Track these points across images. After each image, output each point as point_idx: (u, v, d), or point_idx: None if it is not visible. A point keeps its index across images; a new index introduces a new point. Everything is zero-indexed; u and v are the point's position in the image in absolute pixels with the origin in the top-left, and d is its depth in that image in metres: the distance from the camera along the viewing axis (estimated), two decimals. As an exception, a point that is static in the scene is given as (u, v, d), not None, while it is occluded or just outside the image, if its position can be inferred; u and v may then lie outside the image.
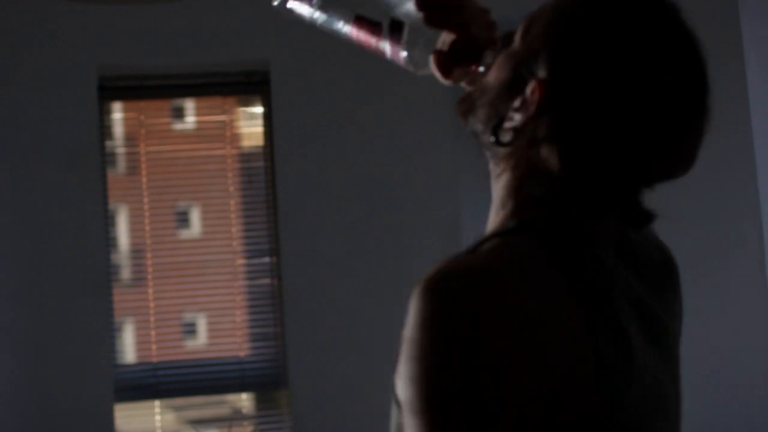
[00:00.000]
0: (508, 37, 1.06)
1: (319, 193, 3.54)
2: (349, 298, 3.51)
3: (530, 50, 1.01)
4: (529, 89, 0.99)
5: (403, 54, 1.12)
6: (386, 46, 1.13)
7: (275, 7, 1.16)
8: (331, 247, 3.51)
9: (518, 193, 1.04)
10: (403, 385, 0.91)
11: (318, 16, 1.15)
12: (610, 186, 1.00)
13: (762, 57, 3.06)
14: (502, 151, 1.05)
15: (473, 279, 0.91)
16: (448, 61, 1.10)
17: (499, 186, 1.07)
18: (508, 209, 1.05)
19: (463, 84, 1.13)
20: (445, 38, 1.11)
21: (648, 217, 1.02)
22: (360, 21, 1.13)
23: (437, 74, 1.12)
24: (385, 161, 3.57)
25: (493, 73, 1.06)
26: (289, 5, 1.16)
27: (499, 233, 1.00)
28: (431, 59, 1.11)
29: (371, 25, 1.13)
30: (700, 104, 0.98)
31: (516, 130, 1.02)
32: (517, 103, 1.01)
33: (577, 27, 0.99)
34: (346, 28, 1.14)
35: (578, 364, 0.92)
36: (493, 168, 1.08)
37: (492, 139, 1.04)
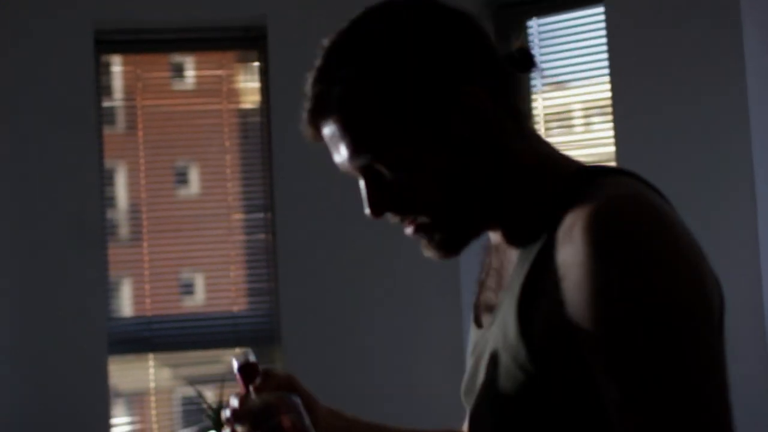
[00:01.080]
0: (398, 163, 1.11)
1: (315, 149, 3.53)
2: (344, 254, 3.53)
3: (428, 108, 1.09)
4: (466, 109, 1.07)
5: None
6: None
7: None
8: (326, 202, 3.52)
9: (538, 167, 1.08)
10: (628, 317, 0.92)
11: None
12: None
13: (760, 23, 3.06)
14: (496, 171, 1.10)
15: (652, 203, 0.97)
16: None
17: (518, 188, 1.09)
18: (552, 177, 1.06)
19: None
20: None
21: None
22: None
23: None
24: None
25: (422, 182, 1.12)
26: None
27: (595, 173, 1.04)
28: None
29: None
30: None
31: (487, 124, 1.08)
32: (464, 125, 1.08)
33: (430, 42, 1.09)
34: None
35: (714, 287, 1.01)
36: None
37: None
